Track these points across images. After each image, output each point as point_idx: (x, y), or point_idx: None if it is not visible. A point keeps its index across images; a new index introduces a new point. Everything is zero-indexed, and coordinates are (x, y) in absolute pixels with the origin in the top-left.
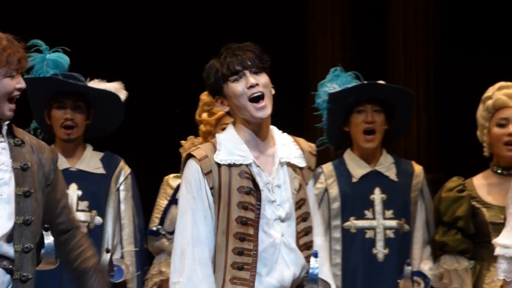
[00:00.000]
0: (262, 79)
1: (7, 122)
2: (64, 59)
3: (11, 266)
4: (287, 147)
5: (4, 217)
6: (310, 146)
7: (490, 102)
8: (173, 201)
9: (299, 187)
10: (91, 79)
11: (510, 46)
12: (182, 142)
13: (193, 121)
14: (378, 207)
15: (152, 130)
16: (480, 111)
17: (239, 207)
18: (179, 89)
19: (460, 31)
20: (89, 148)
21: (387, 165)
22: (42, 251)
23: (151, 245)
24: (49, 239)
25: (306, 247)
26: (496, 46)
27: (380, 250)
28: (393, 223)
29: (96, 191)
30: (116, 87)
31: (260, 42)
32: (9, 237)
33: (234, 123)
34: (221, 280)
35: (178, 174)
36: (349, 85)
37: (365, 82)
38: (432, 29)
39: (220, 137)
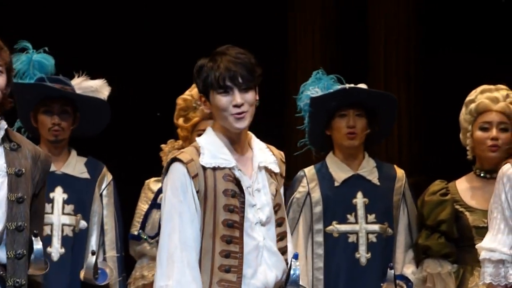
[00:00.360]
0: (249, 97)
1: (5, 127)
2: (49, 61)
3: (1, 273)
4: (263, 152)
5: None
6: (281, 154)
7: (473, 105)
8: (154, 205)
9: (275, 192)
10: (73, 76)
11: (492, 45)
12: (162, 145)
13: (173, 124)
14: (361, 211)
15: (132, 133)
16: (463, 115)
17: (225, 210)
18: (160, 91)
19: (441, 32)
20: (73, 153)
21: (369, 169)
22: (32, 256)
23: (133, 249)
24: (38, 244)
25: (282, 252)
26: (478, 46)
27: (362, 254)
28: (375, 227)
29: (81, 196)
30: (99, 84)
31: (241, 43)
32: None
33: (213, 126)
34: (208, 283)
35: (159, 178)
36: (331, 89)
37: (347, 86)
38: (414, 29)
39: (202, 141)
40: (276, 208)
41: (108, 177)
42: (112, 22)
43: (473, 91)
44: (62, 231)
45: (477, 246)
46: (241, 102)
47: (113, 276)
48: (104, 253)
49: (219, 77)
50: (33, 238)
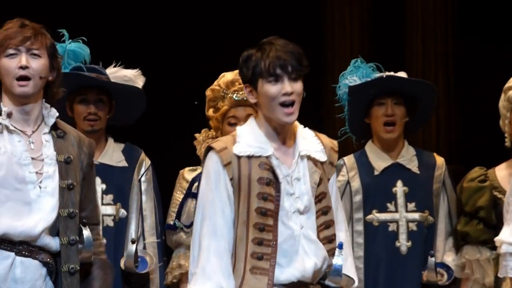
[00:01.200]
0: (298, 87)
1: (56, 115)
2: (84, 50)
3: (48, 260)
4: (307, 141)
5: (47, 209)
6: (332, 143)
7: (511, 92)
8: (189, 194)
9: (319, 180)
10: (108, 66)
11: None
12: (196, 135)
13: None
14: (401, 199)
15: (169, 122)
16: (502, 101)
17: (258, 198)
18: (197, 80)
19: (479, 21)
20: (110, 141)
21: (409, 157)
22: (80, 245)
23: (169, 239)
24: (87, 233)
25: (328, 241)
26: None
27: (403, 243)
28: (415, 215)
29: (120, 184)
30: (134, 74)
31: (277, 33)
32: (51, 230)
33: (256, 116)
34: (242, 270)
35: (194, 167)
36: (369, 78)
37: (385, 74)
38: (451, 18)
39: (240, 129)
40: (321, 196)
41: (147, 162)
42: (147, 11)
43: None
44: (103, 221)
45: (496, 239)
46: (290, 90)
47: (153, 264)
48: (144, 239)
49: (270, 65)
50: (81, 226)
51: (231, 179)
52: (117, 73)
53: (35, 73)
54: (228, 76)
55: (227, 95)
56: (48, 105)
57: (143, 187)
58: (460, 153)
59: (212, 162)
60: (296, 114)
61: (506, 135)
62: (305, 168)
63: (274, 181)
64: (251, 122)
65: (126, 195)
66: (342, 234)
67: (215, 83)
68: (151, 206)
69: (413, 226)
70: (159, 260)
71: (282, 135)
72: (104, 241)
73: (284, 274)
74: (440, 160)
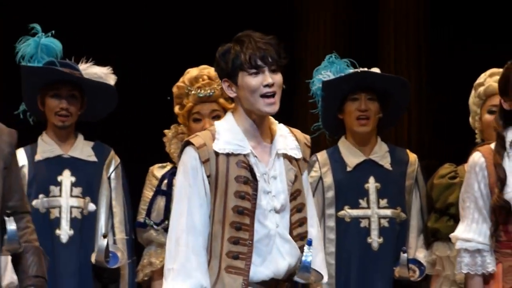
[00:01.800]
0: (278, 78)
1: None
2: (56, 45)
3: None
4: (284, 138)
5: None
6: (305, 138)
7: (481, 89)
8: (159, 191)
9: (294, 178)
10: (79, 62)
11: (502, 31)
12: (165, 131)
13: None
14: (373, 196)
15: (139, 118)
16: (472, 98)
17: (236, 196)
18: (168, 75)
19: (451, 16)
20: (80, 137)
21: (381, 154)
22: (5, 237)
23: (140, 236)
24: (11, 225)
25: (300, 238)
26: (488, 32)
27: (374, 239)
28: (387, 212)
29: (89, 178)
30: (105, 72)
31: (250, 27)
32: None
33: (234, 111)
34: (217, 268)
35: (163, 164)
36: (343, 73)
37: (360, 70)
38: (423, 14)
39: (219, 125)
40: (296, 194)
41: (116, 160)
42: (118, 6)
43: (482, 74)
44: (71, 213)
45: (451, 235)
46: (271, 81)
47: (124, 259)
48: (114, 235)
49: (250, 57)
50: (5, 218)
51: (208, 176)
52: (88, 70)
53: None
54: (192, 72)
55: (191, 92)
56: None
57: (112, 184)
58: (431, 148)
59: (190, 158)
60: (278, 105)
61: (476, 131)
62: (282, 166)
63: (251, 180)
64: (229, 117)
65: (95, 189)
66: (313, 229)
67: (180, 79)
68: (121, 203)
69: (385, 223)
70: (128, 256)
71: (260, 131)
72: (72, 232)
73: (257, 273)
74: (412, 157)
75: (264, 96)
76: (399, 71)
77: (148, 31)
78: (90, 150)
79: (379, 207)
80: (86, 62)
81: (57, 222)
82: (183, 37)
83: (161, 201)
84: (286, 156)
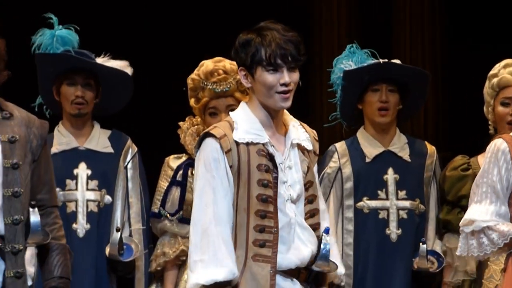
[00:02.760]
0: (295, 77)
1: None
2: (73, 36)
3: None
4: (296, 130)
5: None
6: (313, 132)
7: (495, 80)
8: (174, 182)
9: (307, 169)
10: (97, 56)
11: None
12: (180, 123)
13: None
14: (391, 187)
15: (156, 109)
16: (486, 88)
17: (259, 184)
18: (184, 67)
19: (467, 9)
20: (96, 126)
21: (400, 145)
22: (30, 228)
23: (154, 227)
24: (35, 216)
25: (313, 229)
26: (506, 24)
27: (393, 231)
28: (406, 203)
29: (105, 170)
30: (122, 65)
31: (264, 18)
32: None
33: (249, 102)
34: (243, 257)
35: (179, 155)
36: (365, 63)
37: (381, 61)
38: (438, 7)
39: (235, 115)
40: (308, 185)
41: (133, 149)
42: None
43: (497, 65)
44: (87, 207)
45: (465, 218)
46: (289, 81)
47: (138, 251)
48: (130, 226)
49: (270, 55)
50: (30, 209)
51: (230, 167)
52: (105, 64)
53: None
54: (208, 65)
55: (207, 87)
56: None
57: (129, 174)
58: (447, 140)
59: (212, 149)
60: (291, 100)
61: (489, 122)
62: (296, 156)
63: (272, 168)
64: (244, 107)
65: (111, 181)
66: (325, 222)
67: (195, 71)
68: (137, 193)
69: (403, 214)
70: (144, 247)
71: (275, 122)
72: (88, 226)
73: (284, 261)
74: (431, 149)
75: (279, 92)
76: (414, 64)
77: (164, 21)
78: (106, 140)
79: (397, 199)
80: (103, 56)
81: (73, 216)
82: (198, 27)
83: (176, 192)
84: (299, 147)
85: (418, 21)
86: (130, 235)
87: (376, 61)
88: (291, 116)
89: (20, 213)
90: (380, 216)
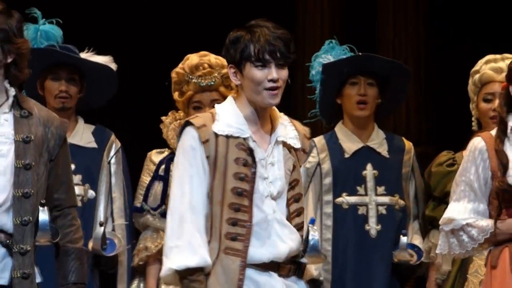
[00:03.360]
0: (284, 74)
1: (13, 94)
2: (56, 31)
3: (7, 240)
4: (284, 127)
5: None
6: (305, 130)
7: (477, 76)
8: (156, 177)
9: (292, 167)
10: (81, 51)
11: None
12: (163, 118)
13: None
14: (370, 183)
15: (139, 104)
16: (470, 85)
17: (235, 178)
18: (167, 61)
19: (450, 3)
20: (81, 121)
21: (379, 141)
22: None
23: (137, 221)
24: (44, 215)
25: (298, 228)
26: (488, 19)
27: (372, 226)
28: (385, 199)
29: (89, 165)
30: (106, 61)
31: (248, 12)
32: (6, 210)
33: (236, 97)
34: (217, 249)
35: (161, 150)
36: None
37: (360, 54)
38: (422, 2)
39: (219, 108)
40: (294, 183)
41: (117, 144)
42: None
43: (479, 61)
44: None
45: (443, 217)
46: (277, 77)
47: (122, 246)
48: (113, 221)
49: (259, 51)
50: (39, 208)
51: (207, 157)
52: (89, 59)
53: None
54: (193, 59)
55: (192, 80)
56: (9, 85)
57: (113, 169)
58: (429, 135)
59: (190, 138)
60: (279, 97)
61: (473, 118)
62: (280, 154)
63: (250, 163)
64: (231, 102)
65: (95, 176)
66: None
67: (180, 65)
68: (120, 188)
69: (382, 210)
70: (127, 242)
71: (261, 119)
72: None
73: (256, 255)
74: (408, 144)
75: (267, 89)
76: (397, 58)
77: (147, 16)
78: (90, 135)
79: (376, 194)
80: (87, 51)
81: None
82: (182, 22)
83: (158, 186)
84: (285, 145)
85: (401, 14)
86: (113, 230)
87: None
88: (282, 114)
89: (29, 214)
90: (360, 212)
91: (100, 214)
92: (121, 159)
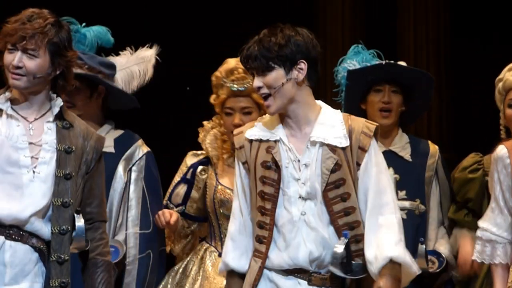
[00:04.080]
0: (268, 79)
1: (60, 104)
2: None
3: (40, 246)
4: (326, 127)
5: (38, 195)
6: (367, 127)
7: (500, 84)
8: (183, 179)
9: (334, 167)
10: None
11: None
12: (205, 122)
13: None
14: None
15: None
16: (496, 94)
17: (260, 181)
18: (205, 64)
19: (472, 9)
20: (105, 127)
21: (401, 145)
22: (73, 233)
23: None
24: (80, 222)
25: (349, 227)
26: (508, 26)
27: None
28: (406, 203)
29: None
30: (151, 54)
31: (269, 18)
32: (44, 217)
33: None
34: (252, 252)
35: (197, 152)
36: (369, 64)
37: (385, 61)
38: (443, 5)
39: (265, 115)
40: (338, 183)
41: (141, 151)
42: None
43: (504, 69)
44: None
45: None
46: (257, 85)
47: (123, 252)
48: (126, 229)
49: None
50: (75, 215)
51: (243, 163)
52: (135, 56)
53: (28, 72)
54: (230, 63)
55: (226, 84)
56: (54, 96)
57: (133, 176)
58: (451, 141)
59: (235, 146)
60: (274, 106)
61: (501, 126)
62: (318, 154)
63: (274, 166)
64: None
65: (107, 181)
66: (381, 217)
67: (219, 69)
68: (139, 196)
69: (403, 215)
70: (140, 251)
71: (294, 120)
72: None
73: (277, 258)
74: (434, 148)
75: (262, 99)
76: (418, 64)
77: (178, 18)
78: (110, 140)
79: (397, 199)
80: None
81: None
82: (213, 27)
83: (182, 188)
84: (324, 144)
85: (422, 20)
86: (126, 238)
87: (380, 61)
88: (329, 113)
89: (68, 223)
90: None
91: (111, 221)
92: (144, 167)
